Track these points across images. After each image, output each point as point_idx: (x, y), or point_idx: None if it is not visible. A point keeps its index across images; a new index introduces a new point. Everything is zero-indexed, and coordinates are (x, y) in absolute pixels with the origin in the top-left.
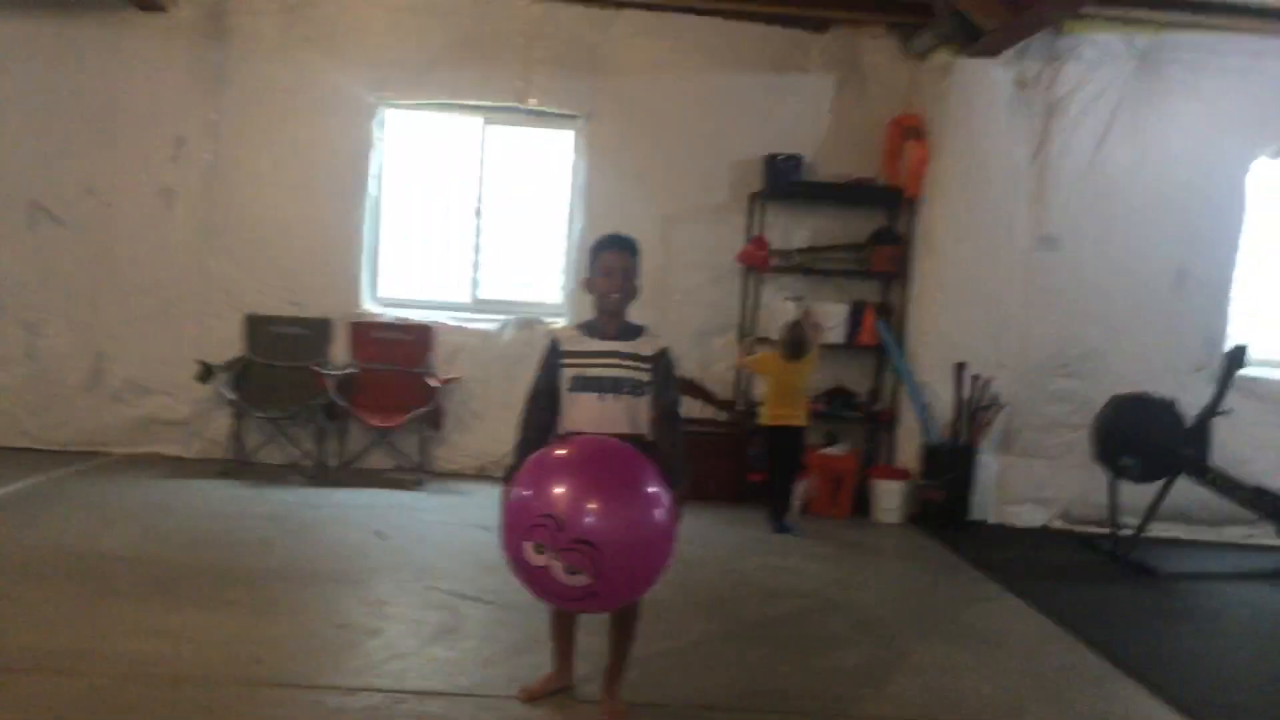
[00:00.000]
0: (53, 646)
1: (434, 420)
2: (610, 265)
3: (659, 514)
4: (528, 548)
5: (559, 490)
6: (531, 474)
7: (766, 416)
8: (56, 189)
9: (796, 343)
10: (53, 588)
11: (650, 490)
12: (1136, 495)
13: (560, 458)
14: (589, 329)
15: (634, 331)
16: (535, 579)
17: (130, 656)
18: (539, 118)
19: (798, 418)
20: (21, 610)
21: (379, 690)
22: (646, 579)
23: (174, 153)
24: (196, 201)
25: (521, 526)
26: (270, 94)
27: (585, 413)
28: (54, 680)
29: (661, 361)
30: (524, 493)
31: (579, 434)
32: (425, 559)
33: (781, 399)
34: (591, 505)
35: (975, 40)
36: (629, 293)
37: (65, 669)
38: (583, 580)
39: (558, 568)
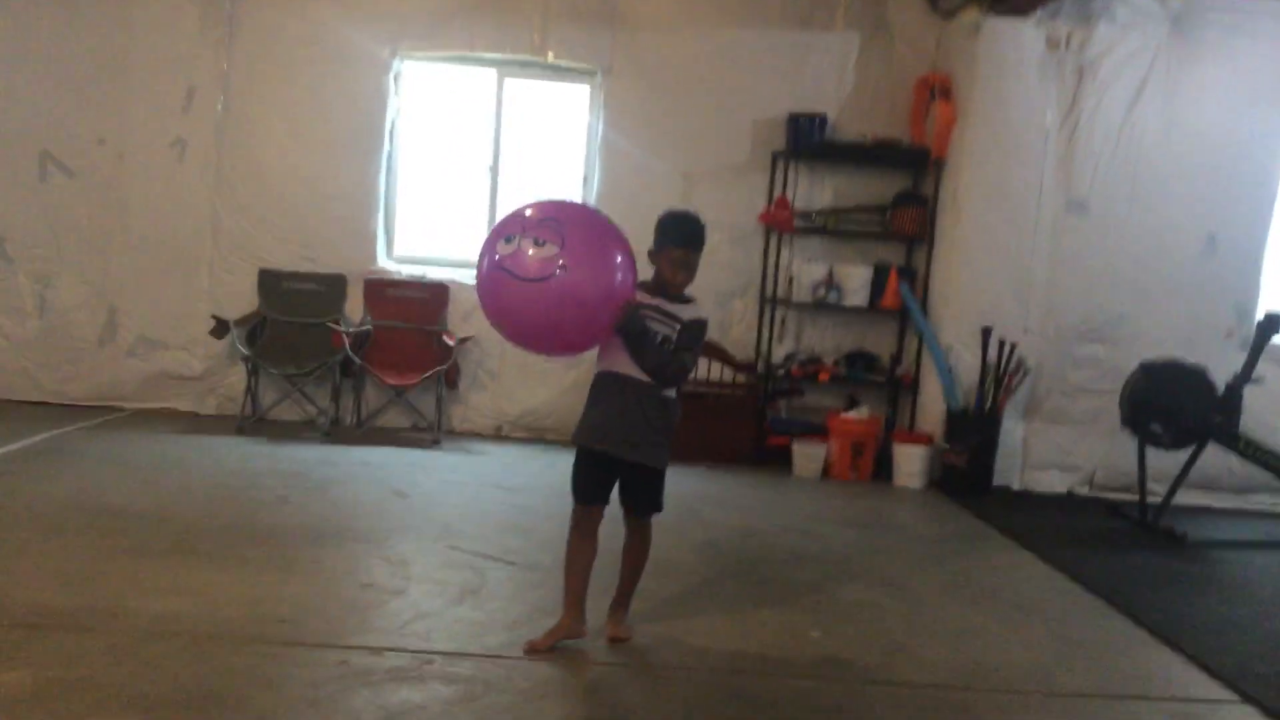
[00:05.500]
0: (73, 603)
1: (450, 379)
2: (680, 260)
3: (617, 234)
4: (498, 244)
5: (532, 209)
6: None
7: None
8: (67, 140)
9: None
10: (70, 543)
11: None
12: (1164, 462)
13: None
14: (649, 287)
15: (685, 299)
16: (502, 281)
17: (151, 614)
18: (556, 72)
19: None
20: (41, 565)
21: (406, 651)
22: (609, 266)
23: (185, 104)
24: (209, 153)
25: (498, 233)
26: (283, 45)
27: (618, 353)
28: (75, 638)
29: (689, 328)
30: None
31: (607, 372)
32: (446, 519)
33: None
34: (559, 207)
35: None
36: (690, 280)
37: (86, 626)
38: (550, 252)
39: (526, 245)
